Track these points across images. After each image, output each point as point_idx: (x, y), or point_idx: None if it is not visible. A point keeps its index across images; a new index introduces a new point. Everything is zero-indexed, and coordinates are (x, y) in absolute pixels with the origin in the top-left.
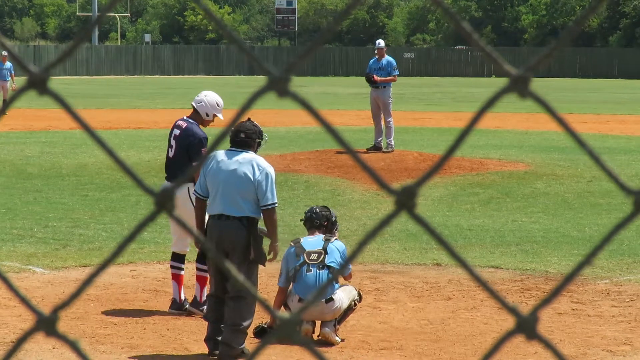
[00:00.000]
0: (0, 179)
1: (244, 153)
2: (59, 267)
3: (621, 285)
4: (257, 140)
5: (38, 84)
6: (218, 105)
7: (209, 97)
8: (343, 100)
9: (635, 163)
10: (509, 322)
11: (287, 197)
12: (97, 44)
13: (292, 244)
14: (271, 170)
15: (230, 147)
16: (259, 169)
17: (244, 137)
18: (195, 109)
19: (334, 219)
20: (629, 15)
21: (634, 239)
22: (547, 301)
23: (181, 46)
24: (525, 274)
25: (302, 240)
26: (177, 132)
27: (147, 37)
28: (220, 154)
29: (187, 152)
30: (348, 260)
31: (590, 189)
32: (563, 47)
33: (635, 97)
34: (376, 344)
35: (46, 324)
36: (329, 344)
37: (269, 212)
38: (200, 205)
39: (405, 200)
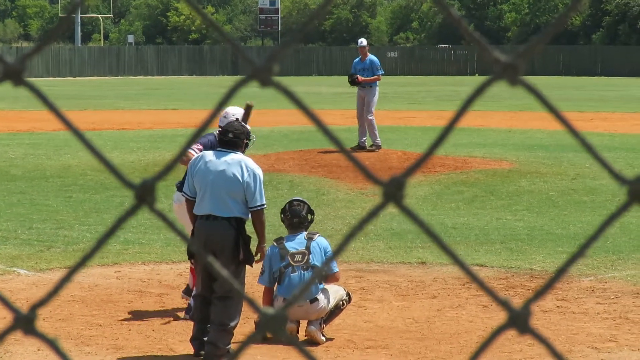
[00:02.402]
0: None
1: (233, 154)
2: (44, 269)
3: (606, 282)
4: (245, 141)
5: (13, 75)
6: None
7: (228, 109)
8: (327, 99)
9: (619, 160)
10: (494, 320)
11: (272, 197)
12: (80, 45)
13: (275, 243)
14: (259, 172)
15: (219, 147)
16: (248, 170)
17: (232, 137)
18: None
19: (311, 216)
20: (612, 13)
21: (619, 236)
22: (539, 295)
23: (164, 47)
24: (510, 272)
25: (285, 240)
26: None
27: (131, 38)
28: (209, 154)
29: None
30: (335, 253)
31: (574, 187)
32: (556, 32)
33: (619, 95)
34: (362, 342)
35: (24, 323)
36: (315, 343)
37: (258, 213)
38: (191, 207)
39: (393, 191)
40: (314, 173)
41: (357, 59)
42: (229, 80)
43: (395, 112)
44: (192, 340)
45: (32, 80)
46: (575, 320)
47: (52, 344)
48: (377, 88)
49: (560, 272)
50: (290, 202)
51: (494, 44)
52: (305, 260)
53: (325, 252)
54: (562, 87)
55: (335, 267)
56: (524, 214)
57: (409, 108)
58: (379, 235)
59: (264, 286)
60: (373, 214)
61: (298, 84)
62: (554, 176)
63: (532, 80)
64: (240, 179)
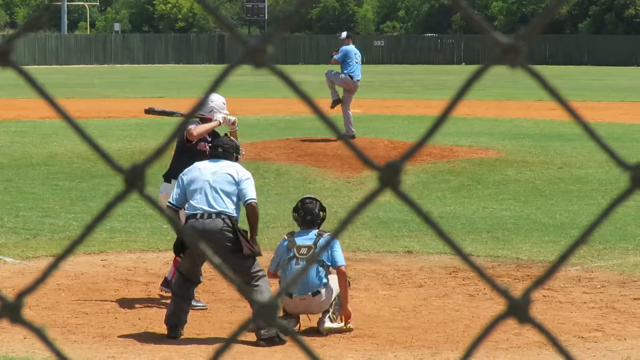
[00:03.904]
0: None
1: (225, 161)
2: (30, 257)
3: (592, 272)
4: (235, 155)
5: (1, 56)
6: (224, 104)
7: (216, 101)
8: (313, 88)
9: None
10: (480, 309)
11: (258, 186)
12: (66, 33)
13: (286, 237)
14: (251, 176)
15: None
16: (242, 172)
17: (222, 151)
18: (207, 118)
19: (324, 214)
20: (598, 2)
21: (605, 225)
22: (539, 283)
23: (151, 35)
24: (497, 261)
25: (296, 234)
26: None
27: (117, 26)
28: (201, 163)
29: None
30: (330, 240)
31: (560, 176)
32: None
33: (605, 84)
34: (348, 331)
35: (10, 310)
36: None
37: (252, 206)
38: (172, 215)
39: (390, 177)
40: (300, 162)
41: (350, 48)
42: (216, 69)
43: (381, 101)
44: (168, 316)
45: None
46: (561, 310)
47: (39, 333)
48: (341, 75)
49: (561, 260)
50: (303, 200)
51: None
52: (310, 253)
53: (332, 248)
54: (548, 76)
55: (342, 260)
56: (511, 203)
57: (395, 97)
58: (366, 224)
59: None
60: (369, 199)
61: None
62: (540, 165)
63: (520, 69)
64: (235, 178)
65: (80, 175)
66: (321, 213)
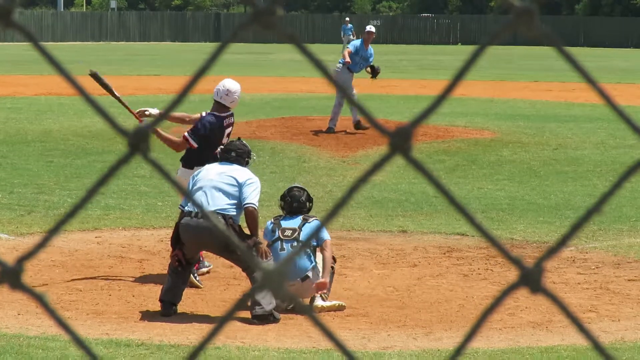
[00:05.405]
0: None
1: (236, 165)
2: (24, 233)
3: (587, 253)
4: (246, 159)
5: (3, 15)
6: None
7: (238, 91)
8: (310, 67)
9: (600, 131)
10: (474, 289)
11: (253, 164)
12: (62, 10)
13: (272, 220)
14: (259, 183)
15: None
16: (250, 176)
17: (235, 156)
18: (220, 103)
19: (310, 204)
20: None
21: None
22: (552, 253)
23: (147, 12)
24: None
25: (281, 218)
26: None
27: (113, 4)
28: (211, 165)
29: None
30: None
31: (556, 157)
32: None
33: (601, 65)
34: (342, 310)
35: (10, 276)
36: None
37: (249, 210)
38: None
39: (400, 142)
40: (295, 140)
41: (359, 43)
42: (211, 47)
43: (377, 81)
44: (164, 292)
45: (14, 44)
46: (555, 290)
47: (40, 300)
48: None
49: (575, 228)
50: (290, 188)
51: (477, 13)
52: (294, 236)
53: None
54: (544, 57)
55: (326, 235)
56: (505, 184)
57: (391, 77)
58: (360, 203)
59: None
60: (379, 165)
61: (281, 51)
62: (535, 146)
63: (514, 50)
64: (239, 180)
65: (75, 152)
66: (307, 203)
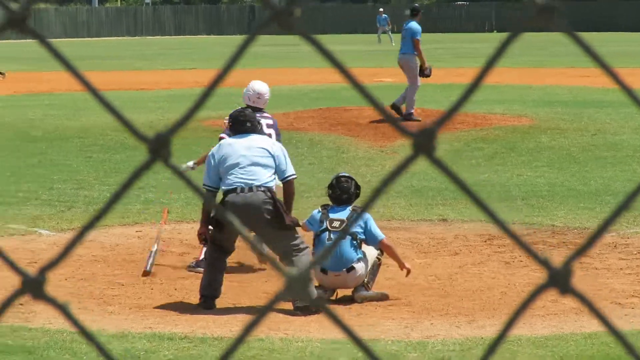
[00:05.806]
0: (4, 143)
1: (254, 134)
2: (65, 229)
3: (628, 238)
4: (260, 125)
5: (17, 22)
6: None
7: (267, 93)
8: (345, 58)
9: (638, 116)
10: (516, 276)
11: (292, 155)
12: (97, 5)
13: (320, 208)
14: (284, 148)
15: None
16: (274, 144)
17: (250, 126)
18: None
19: (358, 192)
20: None
21: None
22: (581, 252)
23: (182, 6)
24: (532, 228)
25: (329, 208)
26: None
27: None
28: (229, 140)
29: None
30: (364, 209)
31: (594, 142)
32: None
33: (624, 50)
34: (384, 300)
35: (32, 286)
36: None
37: (290, 183)
38: (209, 198)
39: (424, 143)
40: (333, 131)
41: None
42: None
43: None
44: (203, 288)
45: (51, 41)
46: (598, 276)
47: (63, 309)
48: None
49: (606, 224)
50: (338, 178)
51: (512, 0)
52: (343, 227)
53: (367, 224)
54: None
55: (380, 234)
56: (545, 170)
57: None
58: (400, 193)
59: None
60: (403, 166)
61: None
62: (574, 132)
63: (548, 36)
64: (270, 151)
65: (113, 147)
66: (357, 192)
